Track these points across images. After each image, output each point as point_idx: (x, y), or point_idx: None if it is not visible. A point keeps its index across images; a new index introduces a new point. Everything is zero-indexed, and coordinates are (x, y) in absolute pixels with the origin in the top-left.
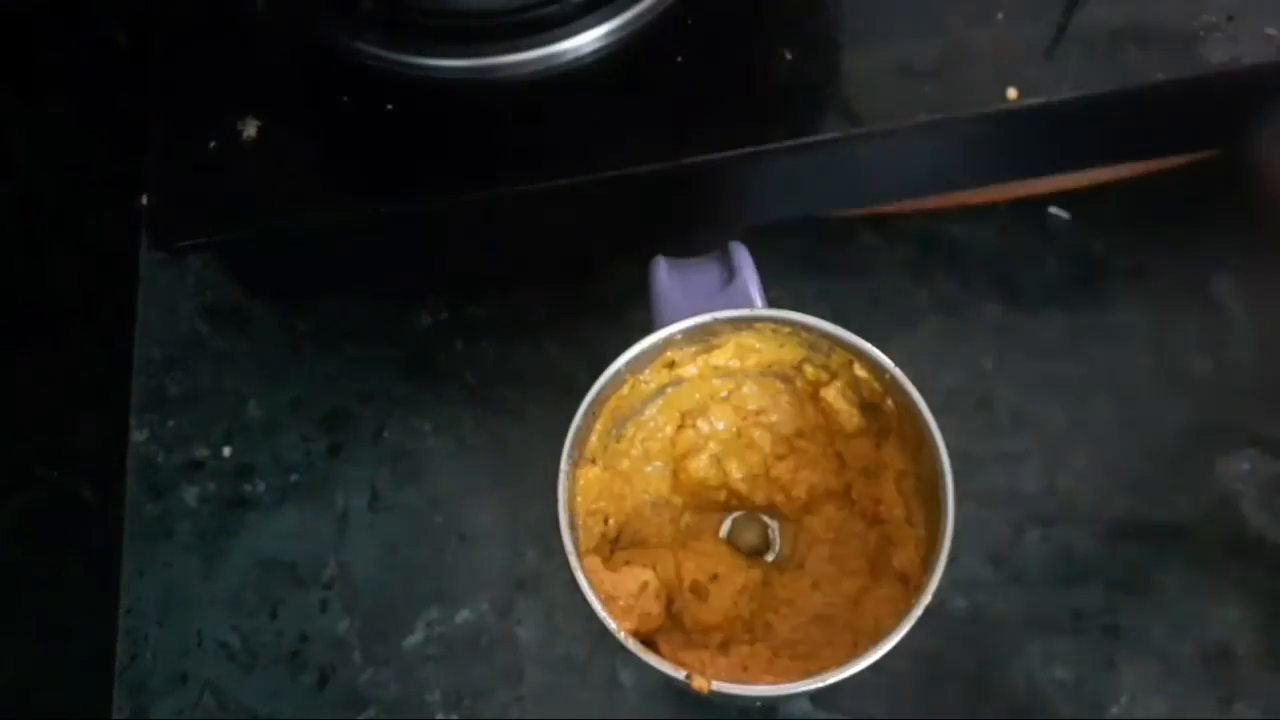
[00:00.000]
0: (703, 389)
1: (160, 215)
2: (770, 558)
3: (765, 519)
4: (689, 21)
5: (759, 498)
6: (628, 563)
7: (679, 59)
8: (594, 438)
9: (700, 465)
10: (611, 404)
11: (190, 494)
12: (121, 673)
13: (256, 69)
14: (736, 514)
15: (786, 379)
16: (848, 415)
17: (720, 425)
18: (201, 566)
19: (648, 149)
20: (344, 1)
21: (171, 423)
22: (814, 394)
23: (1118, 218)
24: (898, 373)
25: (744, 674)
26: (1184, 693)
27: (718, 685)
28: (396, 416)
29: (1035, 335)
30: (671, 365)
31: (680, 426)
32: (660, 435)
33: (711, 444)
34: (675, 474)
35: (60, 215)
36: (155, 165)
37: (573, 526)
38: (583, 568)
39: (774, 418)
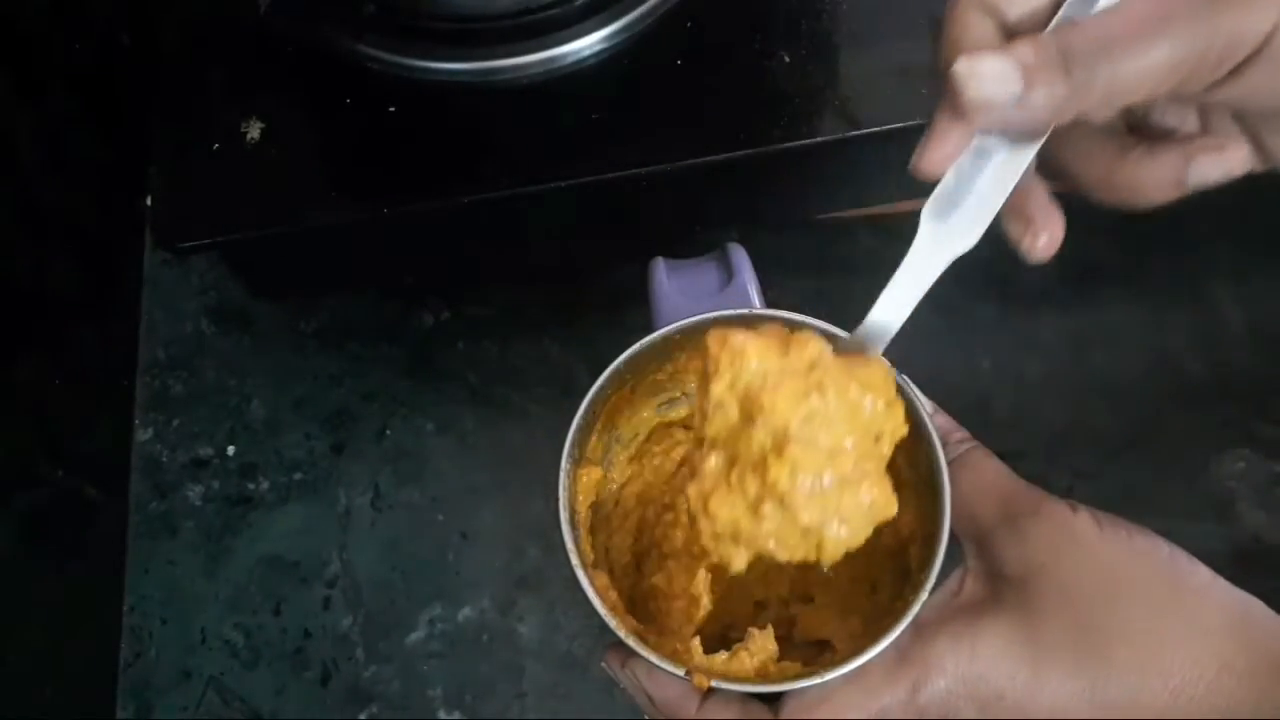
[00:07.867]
0: None
1: (165, 216)
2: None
3: None
4: (689, 25)
5: None
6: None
7: (679, 62)
8: (594, 437)
9: None
10: (611, 404)
11: (194, 492)
12: (125, 670)
13: (260, 72)
14: None
15: None
16: None
17: None
18: (205, 564)
19: (648, 151)
20: (346, 4)
21: (176, 422)
22: None
23: (1113, 219)
24: (894, 373)
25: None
26: None
27: (716, 682)
28: (399, 415)
29: (1031, 336)
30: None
31: None
32: None
33: None
34: None
35: (64, 216)
36: (160, 166)
37: (574, 525)
38: (584, 566)
39: None
